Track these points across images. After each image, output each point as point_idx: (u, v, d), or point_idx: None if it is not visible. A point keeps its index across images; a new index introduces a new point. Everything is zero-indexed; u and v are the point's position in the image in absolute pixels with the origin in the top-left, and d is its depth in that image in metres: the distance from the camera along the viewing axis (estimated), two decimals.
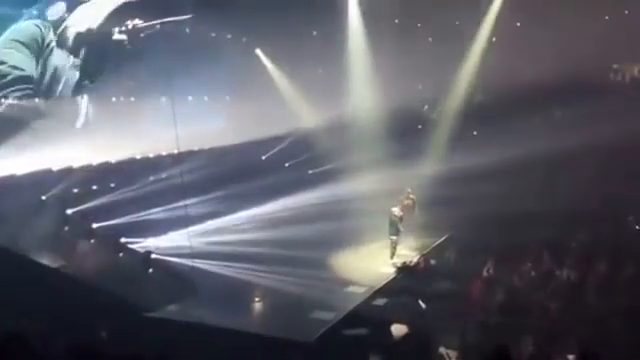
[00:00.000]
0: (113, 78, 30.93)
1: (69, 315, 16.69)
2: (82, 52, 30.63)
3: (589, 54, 28.02)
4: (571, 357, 15.99)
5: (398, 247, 26.35)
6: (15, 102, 29.06)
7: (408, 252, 26.49)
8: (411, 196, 28.42)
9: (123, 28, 32.03)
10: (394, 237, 26.09)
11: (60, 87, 29.95)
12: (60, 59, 30.24)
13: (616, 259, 21.99)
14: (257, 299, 22.38)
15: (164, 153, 31.97)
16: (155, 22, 32.52)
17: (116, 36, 31.86)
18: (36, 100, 29.70)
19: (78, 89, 31.00)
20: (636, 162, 27.13)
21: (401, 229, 26.17)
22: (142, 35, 32.52)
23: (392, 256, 25.98)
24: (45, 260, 22.75)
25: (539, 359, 16.44)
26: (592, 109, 27.93)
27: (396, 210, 26.25)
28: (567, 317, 18.85)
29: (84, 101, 30.57)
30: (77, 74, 30.44)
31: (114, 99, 31.68)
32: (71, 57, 30.20)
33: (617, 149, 27.13)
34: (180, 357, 14.61)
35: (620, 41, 29.27)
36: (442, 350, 17.64)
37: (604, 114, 27.34)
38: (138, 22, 32.43)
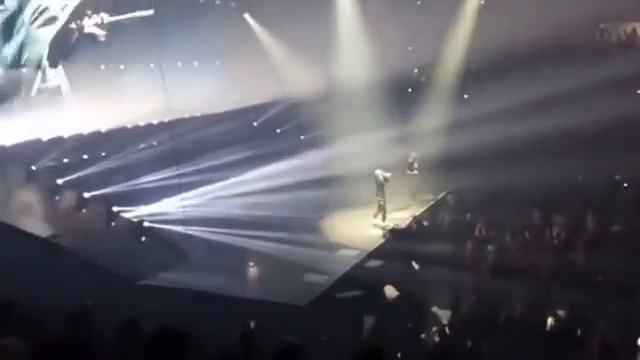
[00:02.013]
0: (100, 46, 30.84)
1: (62, 284, 16.80)
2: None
3: (576, 14, 28.12)
4: (561, 312, 16.17)
5: (393, 209, 26.84)
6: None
7: (401, 214, 26.84)
8: (416, 163, 28.67)
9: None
10: (380, 198, 26.45)
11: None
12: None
13: (604, 217, 22.18)
14: (250, 264, 22.74)
15: (155, 121, 31.97)
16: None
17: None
18: (23, 70, 29.58)
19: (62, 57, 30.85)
20: (624, 121, 27.21)
21: (386, 190, 26.53)
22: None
23: (379, 217, 26.52)
24: (37, 230, 22.83)
25: (530, 315, 16.57)
26: (579, 69, 28.10)
27: (380, 171, 26.51)
28: (558, 274, 19.00)
29: (72, 69, 30.39)
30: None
31: (103, 67, 31.52)
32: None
33: (605, 109, 27.23)
34: (174, 323, 14.70)
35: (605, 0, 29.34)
36: (435, 310, 17.79)
37: (591, 74, 27.52)
38: None
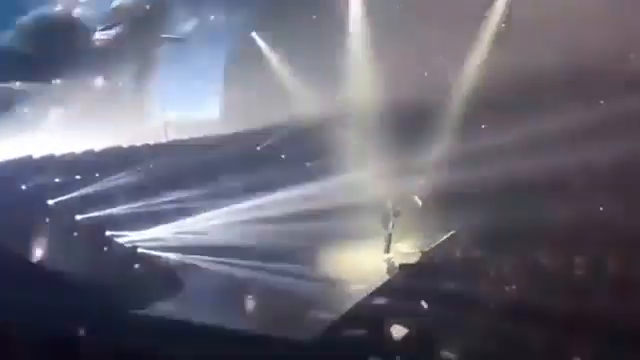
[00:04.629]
0: (99, 63, 31.03)
1: (49, 311, 16.75)
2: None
3: (604, 42, 28.02)
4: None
5: (399, 244, 26.89)
6: None
7: (411, 249, 26.75)
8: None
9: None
10: (388, 231, 26.62)
11: None
12: None
13: (627, 260, 22.12)
14: (250, 297, 22.73)
15: (152, 142, 32.08)
16: None
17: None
18: (16, 84, 29.78)
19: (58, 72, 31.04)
20: None
21: (394, 223, 26.65)
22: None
23: (387, 250, 26.58)
24: (25, 254, 22.82)
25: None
26: (607, 101, 28.03)
27: (389, 203, 26.70)
28: (577, 318, 18.92)
29: (68, 85, 30.55)
30: None
31: (100, 84, 31.61)
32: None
33: (632, 144, 27.12)
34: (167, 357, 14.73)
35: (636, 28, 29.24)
36: (445, 353, 17.71)
37: (619, 106, 27.41)
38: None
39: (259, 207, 29.02)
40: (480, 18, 33.01)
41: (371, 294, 22.81)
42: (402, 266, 24.83)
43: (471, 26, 32.65)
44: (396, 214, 26.72)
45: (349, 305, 21.85)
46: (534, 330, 17.82)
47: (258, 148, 36.03)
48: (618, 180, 27.43)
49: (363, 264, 25.48)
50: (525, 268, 22.55)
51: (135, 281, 23.48)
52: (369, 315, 20.81)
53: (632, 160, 26.98)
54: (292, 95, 33.60)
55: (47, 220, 26.79)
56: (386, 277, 24.55)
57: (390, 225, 26.60)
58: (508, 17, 32.30)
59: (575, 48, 28.28)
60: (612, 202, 26.27)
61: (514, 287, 21.23)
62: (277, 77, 34.45)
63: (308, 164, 33.80)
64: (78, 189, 28.46)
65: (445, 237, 27.59)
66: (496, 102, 30.53)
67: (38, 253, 23.20)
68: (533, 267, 22.62)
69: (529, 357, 17.02)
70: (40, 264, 22.35)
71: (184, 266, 24.77)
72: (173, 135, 32.33)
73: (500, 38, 32.22)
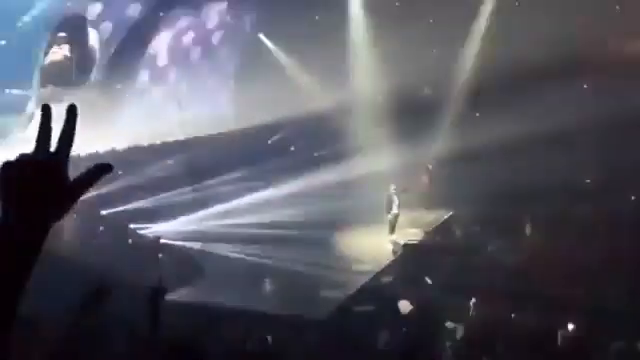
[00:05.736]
0: (117, 65, 31.30)
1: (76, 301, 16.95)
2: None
3: (595, 31, 27.88)
4: (571, 326, 16.29)
5: (404, 224, 27.34)
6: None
7: (414, 229, 27.33)
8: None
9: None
10: (393, 212, 27.06)
11: None
12: None
13: (615, 231, 22.49)
14: (266, 280, 23.34)
15: (170, 139, 32.45)
16: None
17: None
18: (42, 88, 30.07)
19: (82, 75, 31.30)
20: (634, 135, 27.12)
21: (397, 206, 27.04)
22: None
23: (392, 231, 27.02)
24: (52, 248, 22.96)
25: (541, 328, 16.64)
26: (594, 85, 28.06)
27: (392, 186, 27.19)
28: (568, 288, 19.25)
29: (89, 88, 30.80)
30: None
31: (119, 86, 31.86)
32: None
33: (617, 123, 27.08)
34: (189, 339, 14.91)
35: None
36: (449, 324, 18.01)
37: (605, 89, 27.47)
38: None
39: (271, 197, 29.52)
40: (475, 11, 33.15)
41: (379, 273, 23.67)
42: (406, 245, 25.56)
43: (466, 20, 32.83)
44: (404, 191, 27.33)
45: (359, 284, 22.51)
46: (531, 302, 18.33)
47: (269, 142, 36.41)
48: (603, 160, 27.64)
49: (370, 245, 25.97)
50: (517, 243, 22.94)
51: (158, 270, 23.41)
52: (377, 292, 21.50)
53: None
54: (300, 91, 33.59)
55: (74, 216, 27.10)
56: (392, 256, 25.22)
57: (395, 206, 27.06)
58: (501, 8, 32.19)
59: (569, 37, 27.94)
60: (597, 173, 26.84)
61: (511, 261, 21.71)
62: (284, 75, 34.56)
63: (316, 154, 34.02)
64: (102, 186, 28.60)
65: (446, 217, 28.33)
66: (490, 92, 30.43)
67: (64, 247, 23.34)
68: (525, 242, 23.00)
69: (527, 327, 17.04)
70: (66, 257, 22.48)
71: (203, 254, 25.30)
72: (190, 132, 32.65)
73: (495, 30, 32.10)
